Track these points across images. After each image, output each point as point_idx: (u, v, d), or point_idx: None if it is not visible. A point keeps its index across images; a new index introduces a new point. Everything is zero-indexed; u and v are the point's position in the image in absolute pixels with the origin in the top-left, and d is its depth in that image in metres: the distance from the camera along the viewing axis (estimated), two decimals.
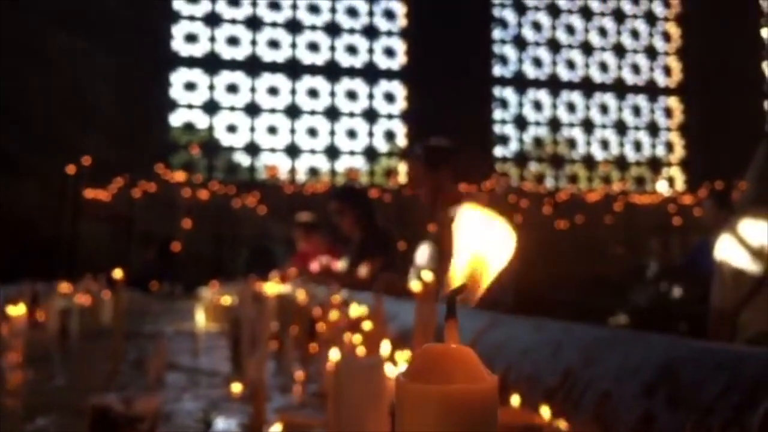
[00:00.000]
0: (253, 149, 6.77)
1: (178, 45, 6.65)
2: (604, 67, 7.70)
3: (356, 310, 1.68)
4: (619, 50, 7.76)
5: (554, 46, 7.55)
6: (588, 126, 7.60)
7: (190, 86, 6.64)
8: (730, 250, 2.11)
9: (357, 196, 4.24)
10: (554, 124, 7.51)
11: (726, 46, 7.43)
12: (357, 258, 3.67)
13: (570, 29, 7.63)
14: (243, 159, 6.93)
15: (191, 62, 6.67)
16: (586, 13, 7.68)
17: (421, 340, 0.99)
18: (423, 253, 3.00)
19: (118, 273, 1.53)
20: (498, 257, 0.33)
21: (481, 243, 0.33)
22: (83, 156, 5.54)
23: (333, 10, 7.04)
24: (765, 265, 2.03)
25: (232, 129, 6.74)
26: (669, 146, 7.80)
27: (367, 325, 1.42)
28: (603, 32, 7.74)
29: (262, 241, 6.10)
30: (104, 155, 5.65)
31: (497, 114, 7.31)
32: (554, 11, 7.58)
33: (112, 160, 5.81)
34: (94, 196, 5.90)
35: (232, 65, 6.77)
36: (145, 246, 5.74)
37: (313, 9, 7.01)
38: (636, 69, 7.79)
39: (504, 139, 7.35)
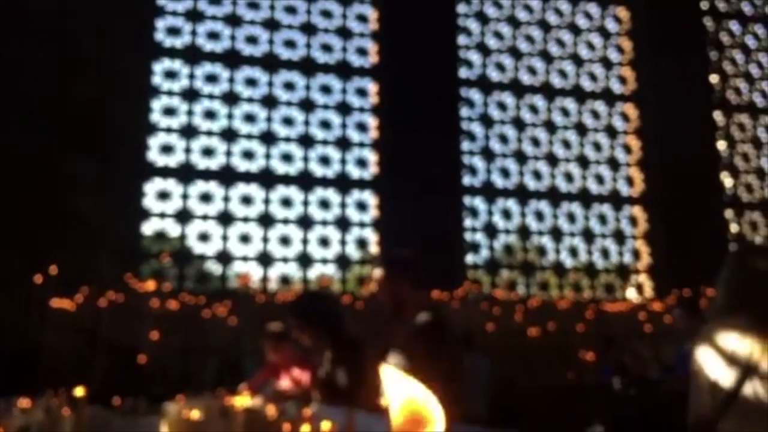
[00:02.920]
0: (225, 258, 6.73)
1: (154, 155, 6.74)
2: (569, 177, 7.95)
3: (327, 425, 1.63)
4: (583, 161, 8.05)
5: (521, 157, 7.81)
6: (556, 234, 7.74)
7: (163, 195, 6.67)
8: (704, 360, 2.11)
9: (315, 308, 3.55)
10: (523, 232, 7.64)
11: (684, 157, 7.76)
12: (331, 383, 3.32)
13: (535, 141, 7.93)
14: (215, 267, 6.89)
15: (165, 172, 6.73)
16: (550, 127, 8.02)
17: None
18: (394, 361, 2.98)
19: (79, 391, 1.47)
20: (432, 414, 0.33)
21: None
22: (50, 265, 5.44)
23: (306, 123, 7.25)
24: (738, 374, 2.03)
25: (204, 238, 6.73)
26: (636, 254, 7.95)
27: None
28: (567, 144, 8.05)
29: (232, 353, 5.95)
30: (72, 264, 5.56)
31: (468, 222, 7.43)
32: (519, 125, 7.89)
33: (80, 269, 5.72)
34: (59, 306, 5.76)
35: (206, 175, 6.85)
36: (109, 358, 5.56)
37: (287, 121, 7.21)
38: (600, 179, 8.05)
39: (475, 247, 7.43)
